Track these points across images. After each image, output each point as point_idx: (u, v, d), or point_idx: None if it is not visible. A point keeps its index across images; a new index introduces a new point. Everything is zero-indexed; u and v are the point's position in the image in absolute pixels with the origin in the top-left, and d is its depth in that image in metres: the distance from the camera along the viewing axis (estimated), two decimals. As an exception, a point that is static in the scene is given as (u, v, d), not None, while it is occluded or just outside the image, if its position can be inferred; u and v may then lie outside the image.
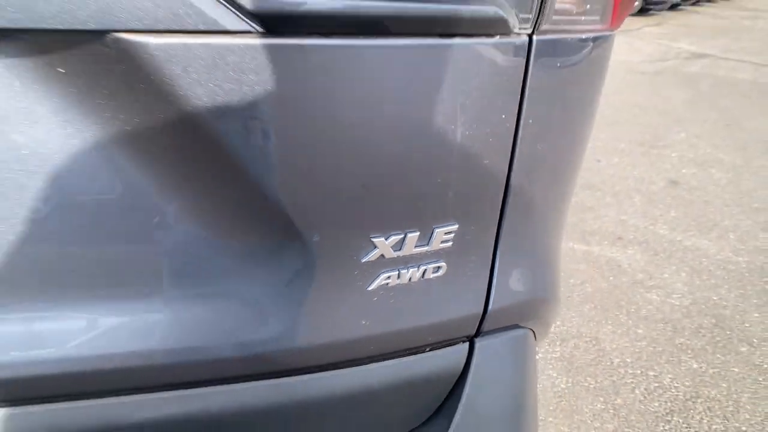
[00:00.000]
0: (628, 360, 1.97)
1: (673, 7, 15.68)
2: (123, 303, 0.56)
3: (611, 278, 2.48)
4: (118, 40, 0.44)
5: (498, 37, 0.54)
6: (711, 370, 1.96)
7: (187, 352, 0.58)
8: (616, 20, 0.65)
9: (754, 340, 2.12)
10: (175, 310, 0.58)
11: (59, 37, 0.44)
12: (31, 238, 0.49)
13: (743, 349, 2.08)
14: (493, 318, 0.71)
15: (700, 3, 18.15)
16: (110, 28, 0.43)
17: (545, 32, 0.57)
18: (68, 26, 0.42)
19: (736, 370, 1.97)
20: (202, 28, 0.45)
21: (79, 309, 0.55)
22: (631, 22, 12.68)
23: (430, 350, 0.70)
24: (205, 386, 0.62)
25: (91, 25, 0.43)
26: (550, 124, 0.64)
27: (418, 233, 0.61)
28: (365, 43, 0.50)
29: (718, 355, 2.03)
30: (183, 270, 0.56)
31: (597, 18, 0.62)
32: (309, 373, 0.65)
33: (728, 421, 1.76)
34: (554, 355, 1.97)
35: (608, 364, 1.95)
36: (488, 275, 0.69)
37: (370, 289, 0.63)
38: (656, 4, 14.47)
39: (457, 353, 0.72)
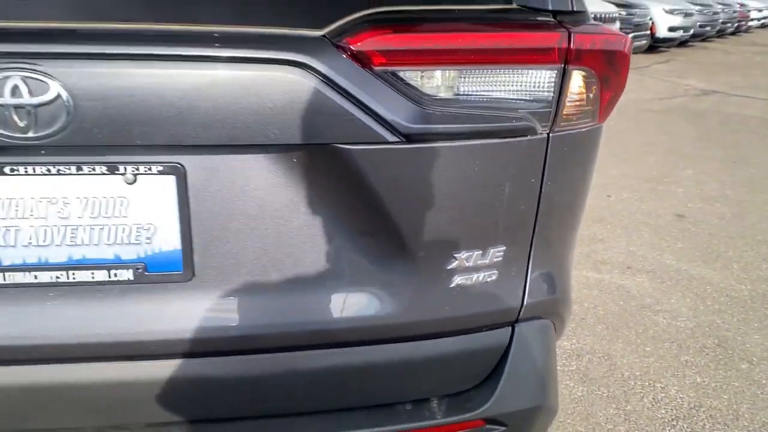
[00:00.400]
0: (637, 373, 2.22)
1: (682, 44, 16.04)
2: (306, 288, 0.90)
3: (621, 303, 2.73)
4: (335, 148, 0.81)
5: (529, 136, 0.88)
6: (713, 384, 2.19)
7: (341, 322, 0.93)
8: (602, 118, 0.96)
9: (754, 359, 2.36)
10: (336, 295, 0.91)
11: (303, 146, 0.81)
12: (284, 251, 0.89)
13: (744, 366, 2.31)
14: (526, 311, 1.01)
15: (710, 39, 18.50)
16: (331, 141, 0.80)
17: (557, 131, 0.91)
18: (312, 141, 0.80)
19: (736, 384, 2.20)
20: (376, 140, 0.81)
21: (288, 291, 0.90)
22: (640, 60, 13.05)
23: (486, 330, 1.00)
24: (343, 347, 0.96)
25: (324, 140, 0.80)
26: (562, 183, 0.97)
27: (480, 252, 0.92)
28: (459, 147, 0.86)
29: (720, 371, 2.27)
30: (342, 270, 0.92)
31: (589, 119, 0.94)
32: (409, 341, 0.97)
33: (728, 427, 1.99)
34: (571, 368, 2.23)
35: (619, 376, 2.20)
36: (523, 281, 1.00)
37: (450, 287, 0.94)
38: (665, 41, 14.84)
39: (504, 334, 1.02)
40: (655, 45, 14.69)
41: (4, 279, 0.84)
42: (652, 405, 2.06)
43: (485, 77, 0.84)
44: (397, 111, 0.80)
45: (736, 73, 11.72)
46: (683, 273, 3.07)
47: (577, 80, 0.88)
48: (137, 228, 0.85)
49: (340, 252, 0.90)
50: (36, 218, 0.82)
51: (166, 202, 0.84)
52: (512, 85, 0.85)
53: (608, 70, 0.93)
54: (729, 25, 19.67)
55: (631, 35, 12.54)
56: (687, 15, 14.76)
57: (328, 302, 0.92)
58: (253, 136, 0.79)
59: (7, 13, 0.75)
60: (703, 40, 17.89)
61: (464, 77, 0.84)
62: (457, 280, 0.94)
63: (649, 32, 13.75)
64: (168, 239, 0.85)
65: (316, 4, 0.86)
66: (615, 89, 0.97)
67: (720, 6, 18.41)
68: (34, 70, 0.72)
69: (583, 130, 0.94)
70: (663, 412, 2.03)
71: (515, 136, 0.87)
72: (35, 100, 0.72)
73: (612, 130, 6.29)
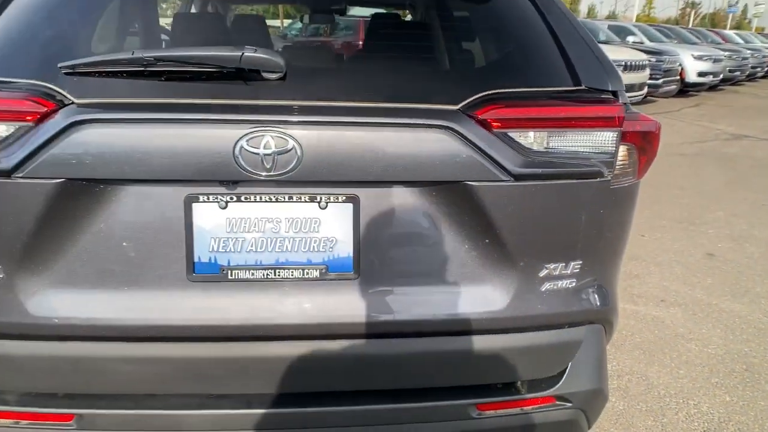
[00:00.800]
0: (672, 392, 2.51)
1: (713, 88, 16.23)
2: (438, 287, 1.29)
3: (656, 331, 3.02)
4: (465, 185, 1.19)
5: (599, 179, 1.27)
6: (741, 402, 2.46)
7: (463, 314, 1.29)
8: (640, 175, 1.34)
9: (780, 383, 2.62)
10: (460, 293, 1.28)
11: (443, 183, 1.21)
12: (424, 259, 1.29)
13: (770, 389, 2.58)
14: (591, 314, 1.37)
15: (740, 83, 18.66)
16: (463, 179, 1.19)
17: (613, 181, 1.29)
18: (450, 179, 1.19)
19: (762, 403, 2.47)
20: (493, 179, 1.19)
21: (425, 290, 1.29)
22: (670, 104, 13.31)
23: (568, 327, 1.36)
24: (464, 335, 1.31)
25: (458, 179, 1.18)
26: (614, 219, 1.33)
27: (564, 264, 1.29)
28: (551, 185, 1.25)
29: (748, 392, 2.54)
30: (465, 275, 1.29)
31: (631, 177, 1.32)
32: (515, 332, 1.33)
33: (755, 440, 2.26)
34: (612, 386, 2.53)
35: (656, 394, 2.49)
36: (593, 289, 1.35)
37: (542, 290, 1.30)
38: (695, 86, 15.09)
39: (580, 331, 1.38)
40: (685, 89, 14.96)
41: (231, 275, 1.23)
42: (686, 418, 2.35)
43: (568, 136, 1.24)
44: (508, 158, 1.20)
45: (767, 118, 11.88)
46: (714, 306, 3.35)
47: (622, 151, 1.28)
48: (324, 240, 1.24)
49: (464, 261, 1.28)
50: (256, 232, 1.22)
51: (344, 222, 1.23)
52: (587, 142, 1.25)
53: (644, 143, 1.33)
54: (759, 69, 19.85)
55: (660, 80, 12.89)
56: (716, 60, 15.05)
57: (454, 299, 1.28)
58: (408, 175, 1.20)
59: (265, 95, 1.19)
60: (734, 84, 18.05)
61: (553, 136, 1.24)
62: (547, 285, 1.30)
63: (678, 77, 14.05)
64: (344, 249, 1.24)
65: (451, 88, 1.30)
66: (649, 155, 1.36)
67: (749, 51, 18.64)
68: (281, 131, 1.13)
69: (629, 183, 1.33)
70: (695, 424, 2.32)
71: (589, 178, 1.26)
72: (277, 150, 1.13)
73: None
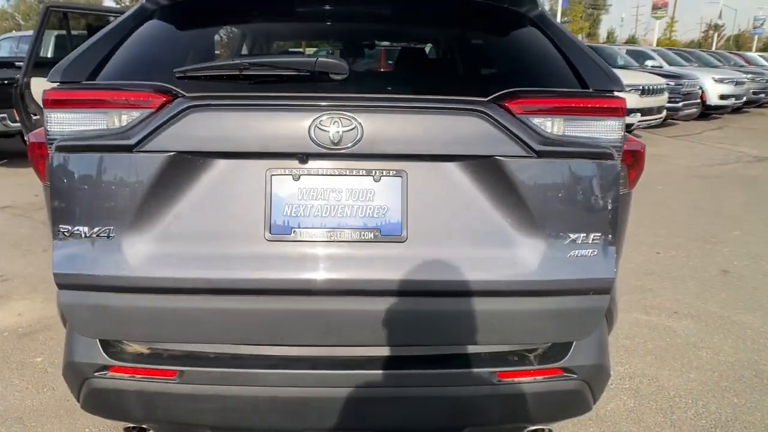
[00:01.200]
0: (682, 393, 2.69)
1: (737, 110, 16.26)
2: (473, 251, 1.51)
3: (668, 339, 3.21)
4: (495, 159, 1.46)
5: (609, 161, 1.50)
6: (749, 404, 2.64)
7: (498, 276, 1.51)
8: (632, 186, 1.60)
9: (787, 388, 2.79)
10: (494, 257, 1.51)
11: (477, 158, 1.49)
12: (462, 225, 1.53)
13: (777, 393, 2.75)
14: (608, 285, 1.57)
15: (766, 105, 18.60)
16: (493, 155, 1.46)
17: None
18: (482, 154, 1.47)
19: (768, 405, 2.64)
20: (519, 154, 1.46)
21: (462, 253, 1.52)
22: (691, 127, 13.38)
23: (593, 294, 1.55)
24: (498, 296, 1.54)
25: (489, 154, 1.47)
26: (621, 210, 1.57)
27: (584, 235, 1.50)
28: (571, 162, 1.50)
29: (756, 395, 2.71)
30: (498, 240, 1.51)
31: (624, 187, 1.57)
32: (538, 296, 1.55)
33: (760, 437, 2.44)
34: (624, 386, 2.73)
35: (666, 395, 2.68)
36: (612, 263, 1.54)
37: (567, 256, 1.51)
38: (717, 108, 15.13)
39: (604, 299, 1.57)
40: (708, 112, 15.01)
41: (300, 236, 1.50)
42: (695, 416, 2.53)
43: (580, 123, 1.51)
44: (531, 138, 1.46)
45: (791, 140, 11.89)
46: (726, 319, 3.52)
47: None
48: (377, 208, 1.50)
49: (498, 227, 1.51)
50: (322, 200, 1.50)
51: (394, 193, 1.50)
52: (596, 129, 1.51)
53: (632, 160, 1.59)
54: (784, 91, 19.74)
55: (680, 104, 13.02)
56: (738, 83, 15.11)
57: (489, 262, 1.50)
58: (448, 151, 1.48)
59: (333, 90, 1.51)
60: (759, 107, 17.99)
61: (567, 122, 1.51)
62: (572, 252, 1.50)
63: (699, 100, 14.14)
64: (394, 216, 1.50)
65: (479, 87, 1.62)
66: (637, 170, 1.62)
67: (772, 73, 18.60)
68: (347, 114, 1.43)
69: (621, 193, 1.59)
70: (703, 422, 2.50)
71: (602, 159, 1.50)
72: (344, 129, 1.43)
73: (661, 194, 6.77)
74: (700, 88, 14.07)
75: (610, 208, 1.52)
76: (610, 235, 1.53)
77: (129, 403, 1.66)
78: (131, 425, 1.89)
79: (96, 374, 1.63)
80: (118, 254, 1.49)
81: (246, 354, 1.62)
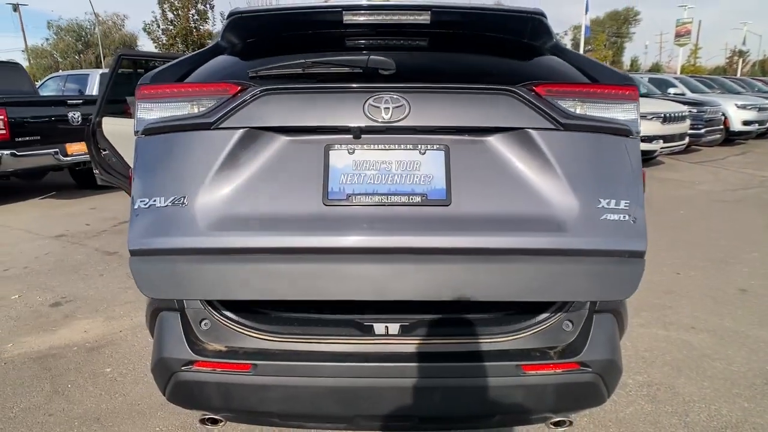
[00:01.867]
0: (696, 399, 2.90)
1: (761, 135, 16.24)
2: (511, 212, 1.70)
3: (685, 352, 3.42)
4: (526, 131, 1.74)
5: (629, 137, 1.77)
6: (758, 408, 2.83)
7: (535, 236, 1.67)
8: None
9: (798, 396, 2.97)
10: (530, 218, 1.69)
11: (509, 129, 1.76)
12: (498, 189, 1.74)
13: (788, 400, 2.93)
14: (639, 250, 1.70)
15: (792, 130, 18.51)
16: (524, 127, 1.74)
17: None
18: (514, 126, 1.75)
19: (779, 411, 2.83)
20: (547, 127, 1.74)
21: (500, 215, 1.71)
22: (715, 153, 13.45)
23: (628, 257, 1.68)
24: (535, 254, 1.68)
25: (520, 126, 1.75)
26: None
27: (615, 201, 1.64)
28: (596, 136, 1.77)
29: (766, 400, 2.90)
30: (532, 203, 1.70)
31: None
32: (575, 255, 1.69)
33: (770, 439, 2.63)
34: (642, 393, 2.95)
35: (681, 400, 2.89)
36: (642, 228, 1.68)
37: (600, 219, 1.66)
38: (741, 134, 15.19)
39: (640, 264, 1.71)
40: (731, 138, 15.08)
41: (354, 200, 1.70)
42: (707, 418, 2.74)
43: (599, 104, 1.77)
44: (556, 114, 1.70)
45: (817, 164, 11.87)
46: (741, 333, 3.71)
47: None
48: (424, 176, 1.74)
49: (530, 192, 1.69)
50: (373, 170, 1.75)
51: (438, 164, 1.75)
52: (614, 109, 1.77)
53: None
54: (809, 115, 19.62)
55: (703, 130, 13.15)
56: (761, 109, 15.17)
57: (526, 222, 1.67)
58: (486, 124, 1.72)
59: (383, 81, 1.76)
60: (784, 132, 17.95)
61: (587, 103, 1.76)
62: (604, 216, 1.65)
63: (722, 127, 14.26)
64: (438, 183, 1.74)
65: (508, 78, 1.82)
66: None
67: (797, 99, 18.54)
68: (398, 95, 1.72)
69: None
70: (715, 423, 2.71)
71: (621, 135, 1.74)
72: (394, 105, 1.72)
73: (682, 218, 6.94)
74: (723, 114, 14.21)
75: (634, 177, 1.73)
76: (638, 203, 1.69)
77: (210, 394, 1.96)
78: (206, 416, 2.19)
79: (183, 368, 1.94)
80: (191, 219, 1.70)
81: (307, 350, 1.92)
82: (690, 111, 12.26)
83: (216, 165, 1.75)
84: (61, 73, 15.31)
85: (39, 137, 8.12)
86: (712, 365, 3.27)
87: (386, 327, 1.97)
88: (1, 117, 7.60)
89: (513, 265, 1.71)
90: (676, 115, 11.19)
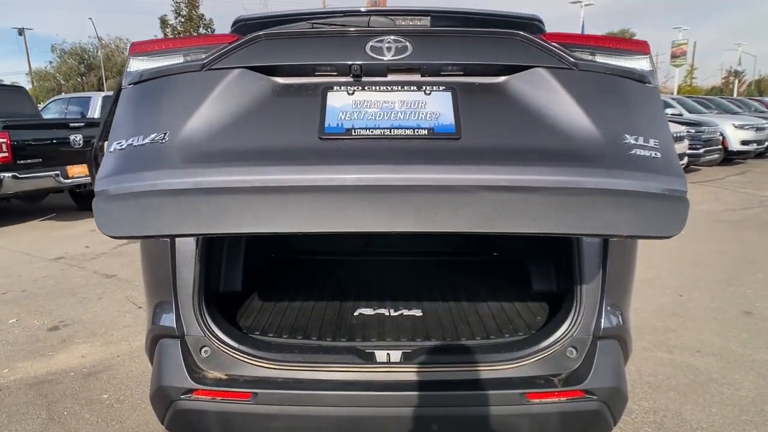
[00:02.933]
0: (704, 426, 2.85)
1: (760, 155, 16.31)
2: (521, 146, 1.62)
3: (691, 376, 3.37)
4: (536, 70, 1.70)
5: (647, 84, 1.74)
6: (768, 436, 2.78)
7: (558, 170, 1.54)
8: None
9: (808, 422, 2.92)
10: (540, 150, 1.59)
11: (520, 68, 1.73)
12: (508, 126, 1.69)
13: (798, 427, 2.88)
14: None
15: (789, 149, 18.58)
16: (535, 65, 1.71)
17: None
18: (526, 64, 1.72)
19: (789, 438, 2.78)
20: (558, 66, 1.71)
21: (511, 151, 1.59)
22: (714, 173, 13.48)
23: (665, 194, 1.52)
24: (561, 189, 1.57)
25: (531, 65, 1.71)
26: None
27: (643, 138, 1.57)
28: (610, 77, 1.73)
29: (775, 428, 2.85)
30: (544, 137, 1.62)
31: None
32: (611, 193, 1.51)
33: (781, 467, 2.58)
34: (648, 420, 2.89)
35: (689, 428, 2.84)
36: (673, 165, 1.56)
37: (629, 154, 1.54)
38: (739, 154, 15.26)
39: (680, 202, 1.51)
40: (730, 158, 15.15)
41: (354, 133, 1.61)
42: (715, 446, 2.68)
43: (610, 54, 1.76)
44: (566, 54, 1.68)
45: (816, 183, 11.89)
46: (748, 357, 3.66)
47: None
48: (430, 113, 1.66)
49: (548, 127, 1.61)
50: (375, 108, 1.68)
51: (446, 103, 1.68)
52: (627, 60, 1.75)
53: None
54: (807, 135, 19.71)
55: (702, 150, 13.21)
56: (759, 129, 15.26)
57: (548, 156, 1.55)
58: (492, 61, 1.70)
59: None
60: (782, 151, 18.02)
61: (598, 53, 1.75)
62: (632, 151, 1.54)
63: (720, 147, 14.32)
64: (446, 119, 1.65)
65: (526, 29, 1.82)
66: None
67: (795, 118, 18.65)
68: (400, 37, 1.69)
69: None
70: (724, 451, 2.65)
71: (640, 81, 1.72)
72: (396, 45, 1.68)
73: (684, 238, 6.90)
74: (721, 134, 14.27)
75: (659, 121, 1.67)
76: (668, 144, 1.61)
77: (210, 423, 1.93)
78: None
79: (182, 397, 1.91)
80: (173, 153, 1.56)
81: (308, 378, 1.89)
82: (688, 131, 12.35)
83: (204, 104, 1.66)
84: (63, 95, 15.43)
85: (40, 159, 8.15)
86: (720, 390, 3.21)
87: (388, 354, 1.94)
88: (4, 140, 7.62)
89: (536, 196, 1.51)
90: (675, 135, 11.24)
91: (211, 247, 2.18)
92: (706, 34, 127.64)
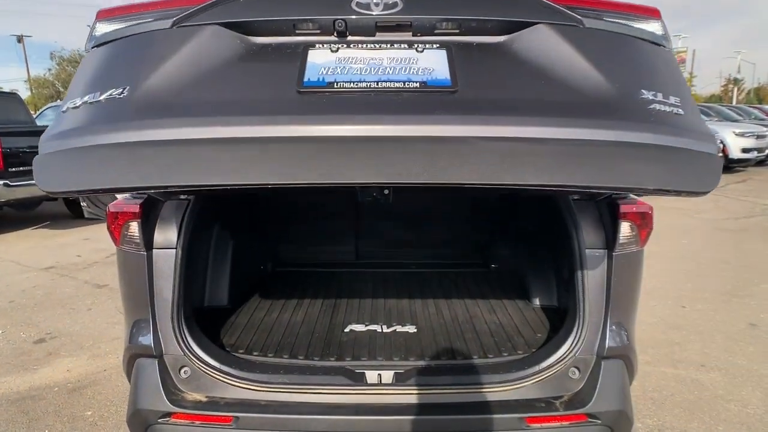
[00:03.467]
0: (711, 446, 2.73)
1: (761, 162, 16.26)
2: (527, 96, 1.48)
3: (696, 392, 3.25)
4: (541, 25, 1.56)
5: (659, 45, 1.66)
6: (778, 457, 2.66)
7: (541, 117, 1.39)
8: (643, 244, 1.76)
9: (819, 441, 2.80)
10: (549, 101, 1.47)
11: (525, 24, 1.58)
12: (504, 83, 1.54)
13: (809, 446, 2.76)
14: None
15: (790, 157, 18.52)
16: (540, 22, 1.57)
17: (617, 252, 1.69)
18: (530, 20, 1.56)
19: (800, 458, 2.66)
20: (565, 22, 1.58)
21: (504, 98, 1.46)
22: (715, 181, 13.42)
23: (692, 150, 1.39)
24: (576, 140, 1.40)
25: (537, 21, 1.59)
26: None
27: (662, 94, 1.47)
28: (619, 34, 1.64)
29: (785, 448, 2.73)
30: (556, 93, 1.49)
31: (634, 245, 1.74)
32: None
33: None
34: (653, 439, 2.78)
35: (695, 447, 2.72)
36: (697, 123, 1.46)
37: (648, 108, 1.43)
38: (740, 161, 15.19)
39: (716, 155, 1.44)
40: (731, 166, 15.07)
41: (337, 86, 1.44)
42: (724, 468, 2.56)
43: (623, 17, 1.65)
44: (573, 12, 1.58)
45: (817, 191, 11.80)
46: (754, 372, 3.54)
47: (626, 227, 1.71)
48: (423, 69, 1.49)
49: (553, 83, 1.47)
50: (361, 65, 1.50)
51: (440, 60, 1.51)
52: (638, 22, 1.65)
53: (642, 221, 1.76)
54: (808, 142, 19.66)
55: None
56: (759, 136, 15.19)
57: (553, 111, 1.40)
58: (495, 19, 1.56)
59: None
60: (783, 159, 17.96)
61: (608, 15, 1.64)
62: (651, 106, 1.42)
63: (721, 154, 14.26)
64: (441, 74, 1.47)
65: None
66: (648, 229, 1.79)
67: (796, 126, 18.61)
68: None
69: (633, 250, 1.74)
70: (733, 474, 2.53)
71: (654, 43, 1.62)
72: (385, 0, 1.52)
73: (687, 248, 6.81)
74: (721, 142, 14.20)
75: (678, 81, 1.56)
76: (689, 103, 1.50)
77: None
78: None
79: (159, 420, 1.80)
80: (130, 107, 1.43)
81: (294, 401, 1.78)
82: (688, 139, 12.23)
83: (171, 60, 1.52)
84: (59, 102, 15.35)
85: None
86: (726, 407, 3.10)
87: (379, 375, 1.83)
88: (-4, 147, 7.54)
89: (546, 147, 1.36)
90: (676, 143, 11.13)
91: (194, 259, 2.07)
92: (705, 42, 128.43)
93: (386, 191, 1.92)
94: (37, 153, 1.45)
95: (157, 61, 1.52)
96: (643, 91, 1.46)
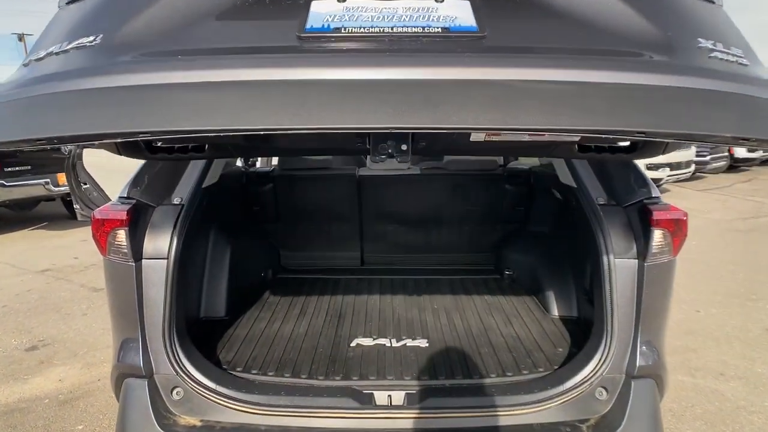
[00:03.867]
0: (736, 462, 2.59)
1: (765, 162, 16.15)
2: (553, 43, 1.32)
3: (717, 403, 3.10)
4: None
5: (709, 2, 1.46)
6: (808, 474, 2.52)
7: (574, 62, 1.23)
8: (675, 253, 1.61)
9: None
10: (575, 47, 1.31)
11: None
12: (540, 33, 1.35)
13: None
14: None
15: (795, 155, 18.39)
16: None
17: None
18: None
19: (830, 476, 2.51)
20: None
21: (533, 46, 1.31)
22: (721, 180, 13.27)
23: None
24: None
25: None
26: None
27: (721, 44, 1.30)
28: None
29: (814, 465, 2.59)
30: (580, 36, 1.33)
31: (668, 254, 1.59)
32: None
33: None
34: (675, 455, 2.63)
35: (719, 464, 2.57)
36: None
37: (707, 57, 1.29)
38: (746, 161, 15.07)
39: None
40: (736, 165, 14.94)
41: (344, 31, 1.28)
42: (751, 487, 2.42)
43: None
44: None
45: (823, 190, 11.67)
46: (775, 381, 3.39)
47: (658, 235, 1.56)
48: (444, 16, 1.30)
49: (598, 30, 1.32)
50: (372, 13, 1.31)
51: (465, 8, 1.31)
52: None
53: (675, 228, 1.61)
54: (812, 141, 19.52)
55: (708, 157, 12.99)
56: (765, 135, 15.05)
57: (600, 55, 1.27)
58: None
59: None
60: (788, 157, 17.83)
61: None
62: (712, 54, 1.30)
63: (727, 153, 14.12)
64: (466, 20, 1.29)
65: None
66: (681, 237, 1.64)
67: (800, 124, 18.45)
68: None
69: (665, 260, 1.60)
70: (761, 493, 2.39)
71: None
72: None
73: (697, 249, 6.65)
74: (727, 141, 14.06)
75: (736, 35, 1.42)
76: (752, 55, 1.38)
77: None
78: None
79: None
80: (105, 52, 1.30)
81: (296, 426, 1.63)
82: (694, 138, 12.10)
83: (153, 7, 1.36)
84: (58, 101, 15.21)
85: (29, 167, 7.91)
86: (750, 419, 2.95)
87: (389, 396, 1.69)
88: (-10, 147, 7.40)
89: (601, 90, 1.21)
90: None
91: (188, 267, 1.93)
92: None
93: (404, 146, 1.69)
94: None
95: (135, 9, 1.37)
96: (700, 39, 1.33)
